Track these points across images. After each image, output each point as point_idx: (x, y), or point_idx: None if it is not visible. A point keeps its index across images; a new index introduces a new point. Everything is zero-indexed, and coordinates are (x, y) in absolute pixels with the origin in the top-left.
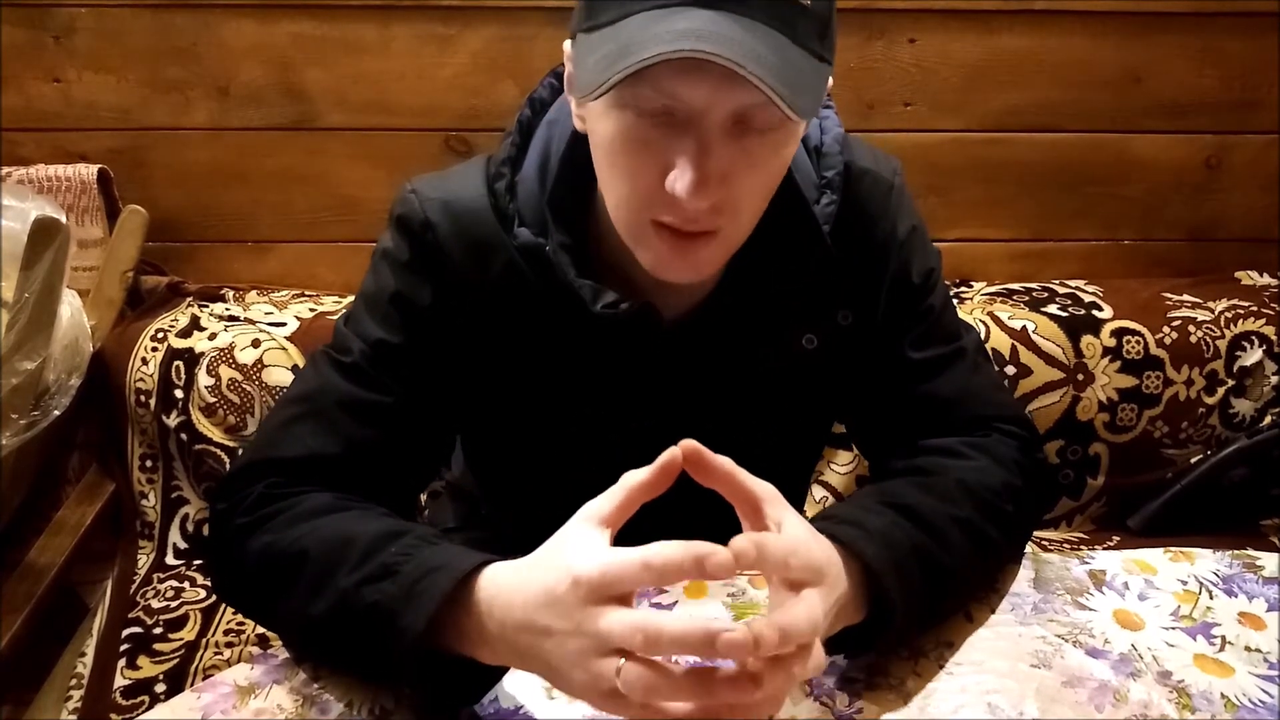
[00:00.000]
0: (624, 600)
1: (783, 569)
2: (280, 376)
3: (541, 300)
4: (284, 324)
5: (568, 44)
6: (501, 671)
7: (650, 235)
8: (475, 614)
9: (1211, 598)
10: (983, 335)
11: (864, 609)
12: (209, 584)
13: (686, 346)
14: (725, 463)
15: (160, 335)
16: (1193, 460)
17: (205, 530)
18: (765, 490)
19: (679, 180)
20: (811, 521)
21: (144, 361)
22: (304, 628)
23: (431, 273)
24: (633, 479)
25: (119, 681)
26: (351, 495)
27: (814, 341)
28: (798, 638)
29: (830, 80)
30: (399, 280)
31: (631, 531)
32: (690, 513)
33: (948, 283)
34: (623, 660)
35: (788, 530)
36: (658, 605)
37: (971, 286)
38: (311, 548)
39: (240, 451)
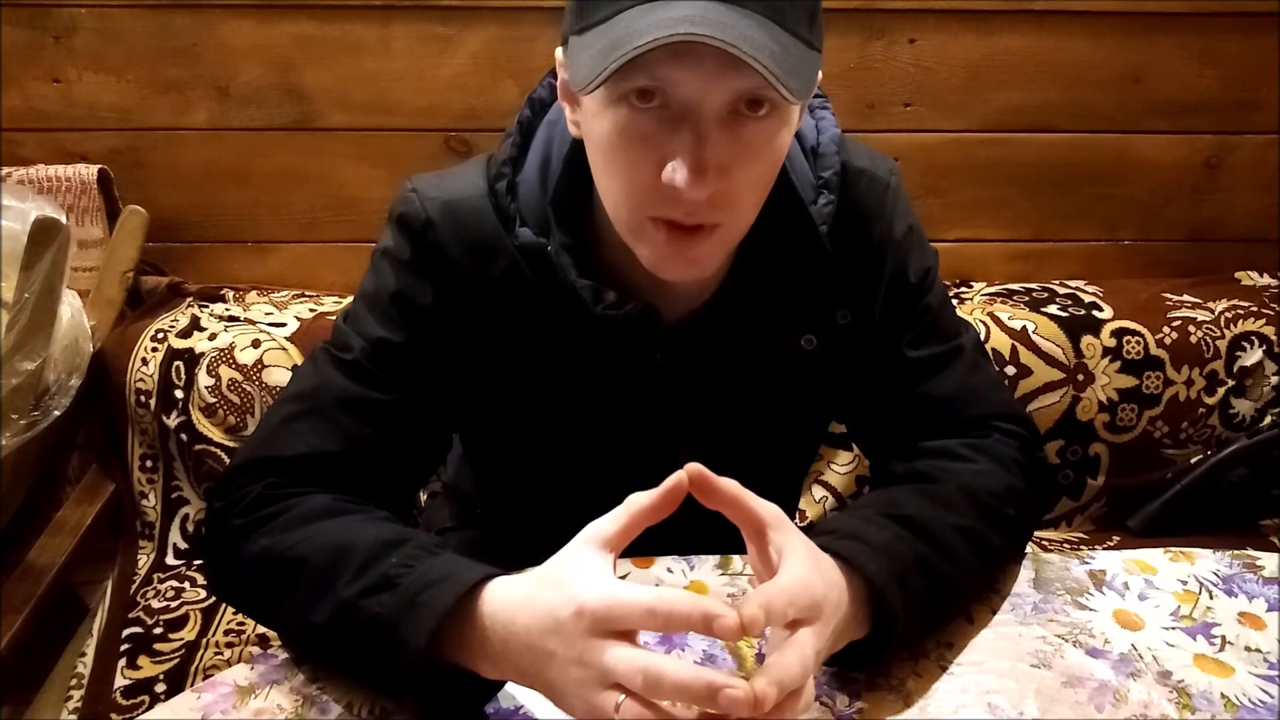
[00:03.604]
0: (628, 636)
1: (783, 619)
2: (280, 377)
3: (543, 301)
4: (284, 324)
5: (559, 51)
6: (501, 683)
7: (649, 231)
8: (477, 629)
9: (1211, 598)
10: (983, 335)
11: (867, 624)
12: (209, 584)
13: (687, 348)
14: (730, 485)
15: (160, 335)
16: (1193, 460)
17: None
18: (770, 513)
19: (677, 171)
20: (814, 536)
21: (144, 362)
22: (303, 634)
23: (432, 272)
24: (638, 502)
25: (119, 681)
26: (350, 495)
27: (813, 342)
28: (790, 686)
29: (820, 71)
30: (400, 280)
31: None
32: (690, 516)
33: (947, 283)
34: (622, 697)
35: (789, 559)
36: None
37: (971, 287)
38: (310, 555)
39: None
